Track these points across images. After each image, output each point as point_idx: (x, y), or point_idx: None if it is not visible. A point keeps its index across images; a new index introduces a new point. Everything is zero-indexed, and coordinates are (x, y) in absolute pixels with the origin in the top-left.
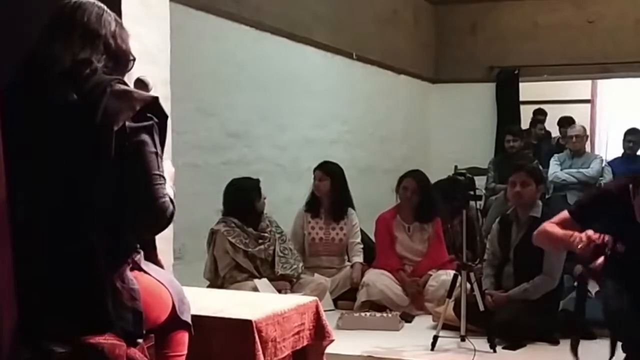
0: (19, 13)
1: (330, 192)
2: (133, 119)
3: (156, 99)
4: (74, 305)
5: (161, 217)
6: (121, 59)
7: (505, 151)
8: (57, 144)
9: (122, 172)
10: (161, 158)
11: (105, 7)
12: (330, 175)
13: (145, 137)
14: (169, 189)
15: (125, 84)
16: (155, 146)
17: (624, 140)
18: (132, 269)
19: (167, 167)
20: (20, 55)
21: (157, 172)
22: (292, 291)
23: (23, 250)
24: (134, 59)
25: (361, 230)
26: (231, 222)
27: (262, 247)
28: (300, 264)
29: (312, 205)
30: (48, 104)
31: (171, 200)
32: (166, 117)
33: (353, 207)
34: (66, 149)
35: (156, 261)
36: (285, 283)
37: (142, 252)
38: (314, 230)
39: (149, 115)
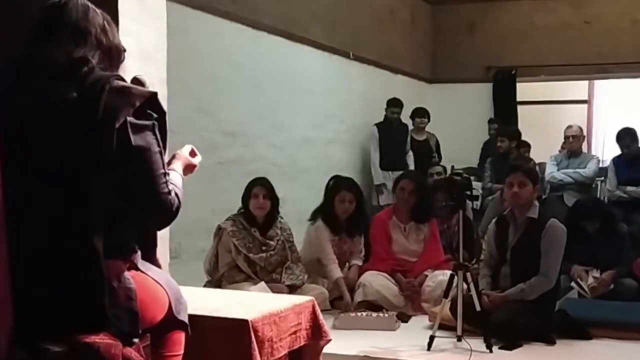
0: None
1: (353, 211)
2: (133, 115)
3: (155, 94)
4: (70, 305)
5: (168, 213)
6: (113, 54)
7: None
8: (57, 143)
9: (126, 172)
10: (164, 154)
11: (90, 4)
12: (356, 197)
13: (149, 136)
14: (176, 180)
15: (124, 80)
16: (158, 144)
17: (619, 144)
18: (129, 269)
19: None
20: (8, 56)
21: (162, 171)
22: None
23: (20, 249)
24: (125, 51)
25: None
26: (239, 223)
27: (263, 254)
28: (306, 276)
29: (331, 223)
30: (47, 104)
31: (176, 194)
32: (164, 113)
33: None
34: (67, 148)
35: (155, 260)
36: (283, 287)
37: (139, 252)
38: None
39: (148, 111)
